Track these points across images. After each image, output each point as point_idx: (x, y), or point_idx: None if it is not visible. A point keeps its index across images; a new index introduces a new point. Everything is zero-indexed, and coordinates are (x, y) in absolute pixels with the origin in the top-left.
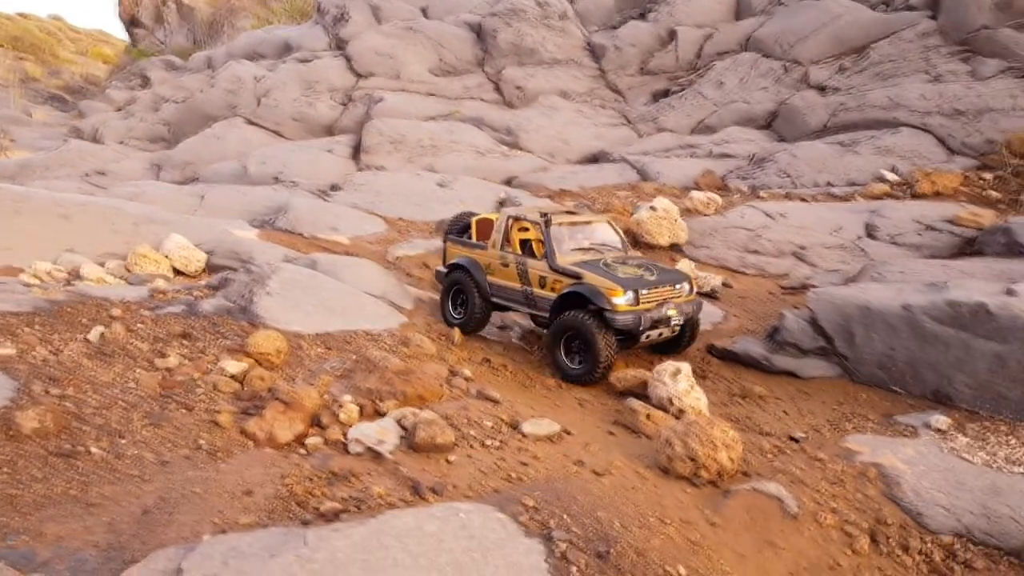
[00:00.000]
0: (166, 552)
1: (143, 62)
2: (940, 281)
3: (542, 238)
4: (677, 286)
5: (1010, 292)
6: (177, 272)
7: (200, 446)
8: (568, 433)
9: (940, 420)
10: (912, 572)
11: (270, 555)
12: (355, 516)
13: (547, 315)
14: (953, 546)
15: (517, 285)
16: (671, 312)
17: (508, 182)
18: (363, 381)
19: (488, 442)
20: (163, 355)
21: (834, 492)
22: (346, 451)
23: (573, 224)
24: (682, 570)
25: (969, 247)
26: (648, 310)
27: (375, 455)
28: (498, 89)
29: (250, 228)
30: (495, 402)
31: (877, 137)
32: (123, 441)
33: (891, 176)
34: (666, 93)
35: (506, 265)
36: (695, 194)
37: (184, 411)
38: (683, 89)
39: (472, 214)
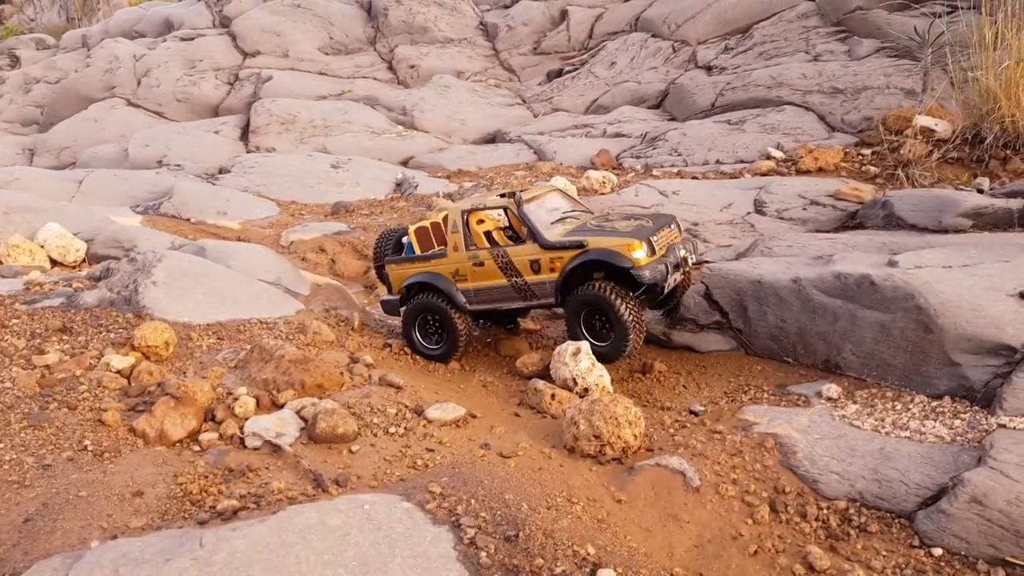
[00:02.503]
0: (51, 562)
1: (11, 40)
2: (826, 254)
3: (503, 225)
4: (671, 226)
5: (892, 263)
6: (54, 263)
7: (85, 447)
8: (473, 416)
9: (831, 389)
10: (811, 538)
11: (164, 559)
12: (255, 513)
13: (550, 301)
14: (848, 511)
15: (502, 281)
16: (682, 252)
17: (405, 163)
18: (259, 372)
19: (392, 429)
20: (41, 351)
21: (734, 463)
22: (243, 446)
23: (537, 198)
24: (590, 549)
25: (851, 220)
26: (665, 256)
27: (274, 448)
28: (391, 68)
29: (133, 214)
30: (398, 388)
31: (762, 115)
32: (0, 445)
33: (776, 153)
34: (560, 73)
35: (480, 264)
36: (591, 173)
37: (66, 410)
38: (576, 69)
39: (395, 230)
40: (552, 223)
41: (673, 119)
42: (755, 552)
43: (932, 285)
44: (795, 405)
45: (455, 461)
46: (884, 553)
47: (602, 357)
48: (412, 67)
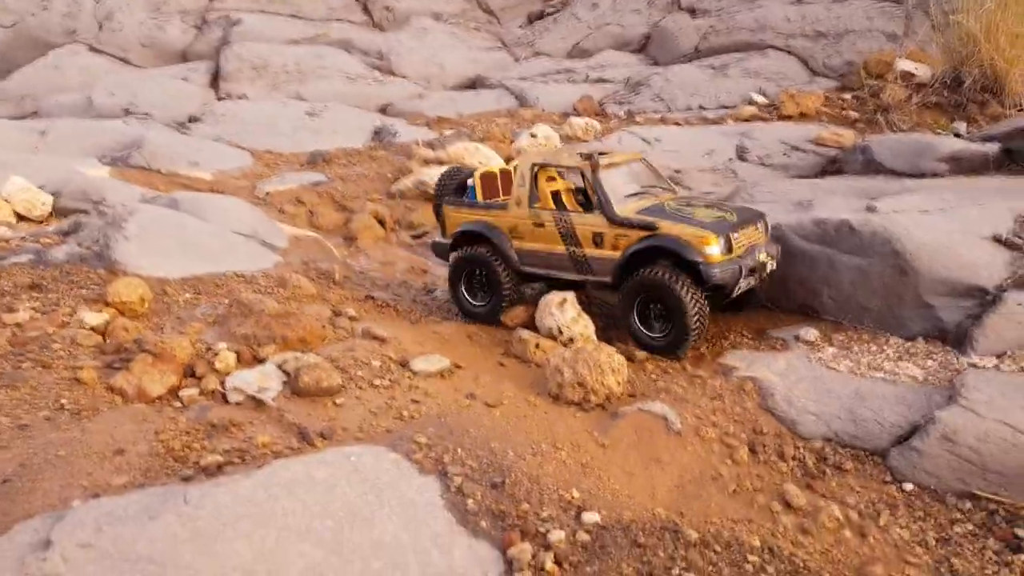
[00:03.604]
0: (32, 523)
1: None
2: (807, 200)
3: (573, 187)
4: (758, 225)
5: (870, 208)
6: (20, 217)
7: (62, 406)
8: (459, 367)
9: (809, 333)
10: (788, 477)
11: (149, 517)
12: (240, 468)
13: (606, 280)
14: (824, 450)
15: (560, 248)
16: (762, 257)
17: (383, 110)
18: (238, 327)
19: (377, 382)
20: (11, 309)
21: (714, 407)
22: (225, 401)
23: (616, 165)
24: (575, 493)
25: (832, 166)
26: (741, 257)
27: (257, 403)
28: (366, 10)
29: (101, 166)
30: (383, 341)
31: (745, 60)
32: None
33: (759, 98)
34: (541, 15)
35: (540, 225)
36: (574, 120)
37: (41, 369)
38: (558, 11)
39: (462, 169)
40: (627, 196)
41: (656, 63)
42: (734, 491)
43: (909, 230)
44: (774, 349)
45: (441, 411)
46: (858, 490)
47: (654, 350)
48: (388, 9)
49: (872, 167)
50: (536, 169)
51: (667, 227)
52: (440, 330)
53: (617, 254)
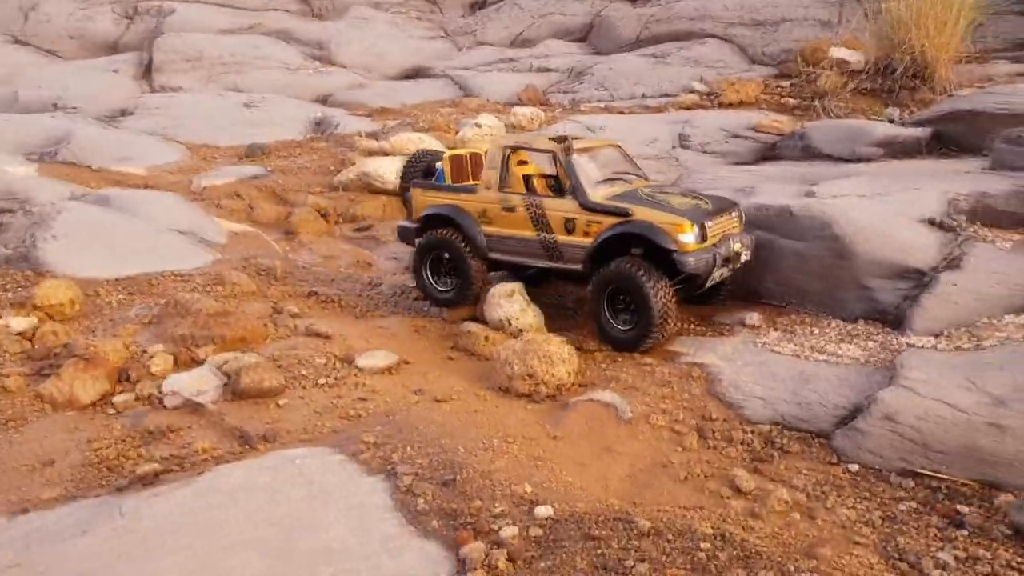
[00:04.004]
0: None
1: None
2: (748, 186)
3: (546, 173)
4: (732, 214)
5: (809, 194)
6: None
7: None
8: (406, 363)
9: (753, 317)
10: (737, 462)
11: (81, 531)
12: (178, 476)
13: (578, 268)
14: (771, 434)
15: (531, 234)
16: (737, 247)
17: (323, 100)
18: (175, 328)
19: (322, 381)
20: None
21: (663, 394)
22: (162, 406)
23: (590, 150)
24: (528, 487)
25: (771, 152)
26: (716, 246)
27: (195, 407)
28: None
29: (27, 163)
30: (327, 338)
31: (686, 48)
32: None
33: (700, 86)
34: (483, 4)
35: (511, 209)
36: (519, 109)
37: None
38: (500, 1)
39: (431, 152)
40: (600, 182)
41: (599, 53)
42: (685, 478)
43: (847, 214)
44: (720, 335)
45: (389, 409)
46: (805, 472)
47: (621, 344)
48: None
49: (810, 153)
50: (508, 152)
51: (641, 212)
52: (386, 325)
53: (589, 241)
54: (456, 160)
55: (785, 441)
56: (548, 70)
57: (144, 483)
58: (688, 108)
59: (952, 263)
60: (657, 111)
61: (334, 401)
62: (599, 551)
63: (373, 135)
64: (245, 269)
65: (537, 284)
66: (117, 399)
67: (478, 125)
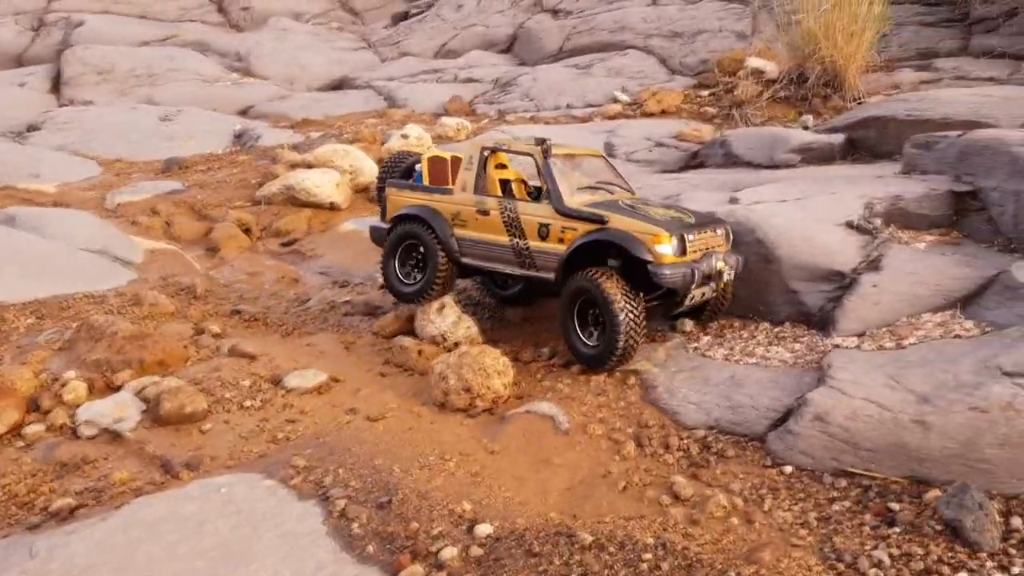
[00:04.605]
0: None
1: None
2: (674, 194)
3: (525, 178)
4: (717, 231)
5: (733, 200)
6: None
7: None
8: (337, 381)
9: (684, 323)
10: (674, 468)
11: None
12: (95, 511)
13: (550, 276)
14: (707, 439)
15: (503, 239)
16: (720, 265)
17: (244, 113)
18: (89, 352)
19: (248, 403)
20: None
21: (599, 403)
22: (76, 436)
23: (571, 157)
24: (467, 505)
25: (694, 160)
26: (696, 261)
27: (113, 436)
28: (221, 10)
29: None
30: (252, 358)
31: (608, 59)
32: None
33: (623, 96)
34: (406, 15)
35: (485, 213)
36: (446, 120)
37: None
38: (423, 12)
39: (411, 153)
40: (579, 188)
41: (523, 64)
42: (624, 488)
43: (770, 219)
44: (653, 341)
45: (319, 430)
46: (741, 476)
47: (587, 360)
48: (245, 9)
49: (731, 160)
50: (486, 154)
51: (617, 220)
52: (315, 342)
53: (563, 248)
54: (435, 162)
55: (721, 446)
56: (474, 81)
57: (58, 520)
58: (612, 118)
59: (872, 265)
60: (583, 121)
61: (261, 424)
62: (541, 568)
63: (296, 147)
64: (164, 288)
65: (519, 302)
66: (27, 430)
67: (404, 136)
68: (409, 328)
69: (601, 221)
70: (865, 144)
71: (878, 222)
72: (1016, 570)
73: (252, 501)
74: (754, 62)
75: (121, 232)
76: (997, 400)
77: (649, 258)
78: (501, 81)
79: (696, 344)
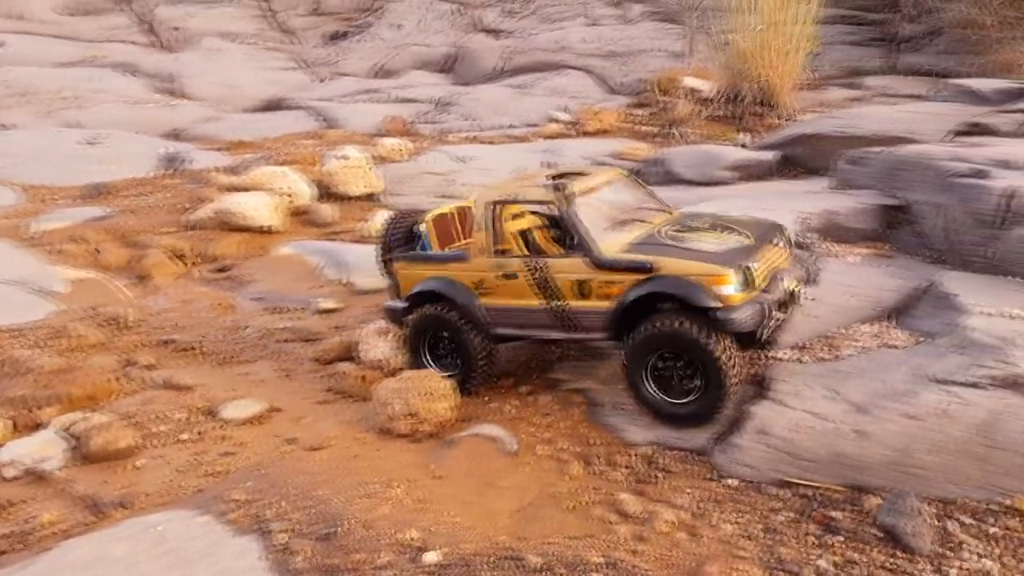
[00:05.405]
0: None
1: None
2: None
3: (546, 222)
4: (778, 242)
5: None
6: None
7: None
8: (276, 410)
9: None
10: (622, 485)
11: None
12: (19, 556)
13: (600, 336)
14: (652, 455)
15: (536, 303)
16: (791, 286)
17: (174, 135)
18: (11, 388)
19: (183, 436)
20: None
21: (546, 423)
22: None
23: (593, 190)
24: (413, 533)
25: None
26: (766, 290)
27: (39, 476)
28: (151, 30)
29: None
30: (186, 389)
31: (547, 79)
32: None
33: (562, 116)
34: (344, 35)
35: (510, 276)
36: (385, 140)
37: None
38: (360, 31)
39: (409, 213)
40: (610, 227)
41: (462, 83)
42: (572, 507)
43: None
44: (596, 358)
45: (259, 462)
46: (687, 490)
47: (681, 420)
48: (176, 29)
49: (670, 177)
50: (497, 208)
51: (667, 265)
52: (252, 371)
53: (607, 304)
54: (441, 222)
55: (666, 461)
56: (412, 100)
57: None
58: (552, 137)
59: (807, 279)
60: (523, 140)
61: (197, 458)
62: None
63: (230, 170)
64: (91, 319)
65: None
66: None
67: (343, 157)
68: (351, 354)
69: (647, 269)
70: (799, 160)
71: (814, 236)
72: (952, 572)
73: (187, 539)
74: (690, 81)
75: (43, 261)
76: (930, 407)
77: (713, 303)
78: (440, 101)
79: None
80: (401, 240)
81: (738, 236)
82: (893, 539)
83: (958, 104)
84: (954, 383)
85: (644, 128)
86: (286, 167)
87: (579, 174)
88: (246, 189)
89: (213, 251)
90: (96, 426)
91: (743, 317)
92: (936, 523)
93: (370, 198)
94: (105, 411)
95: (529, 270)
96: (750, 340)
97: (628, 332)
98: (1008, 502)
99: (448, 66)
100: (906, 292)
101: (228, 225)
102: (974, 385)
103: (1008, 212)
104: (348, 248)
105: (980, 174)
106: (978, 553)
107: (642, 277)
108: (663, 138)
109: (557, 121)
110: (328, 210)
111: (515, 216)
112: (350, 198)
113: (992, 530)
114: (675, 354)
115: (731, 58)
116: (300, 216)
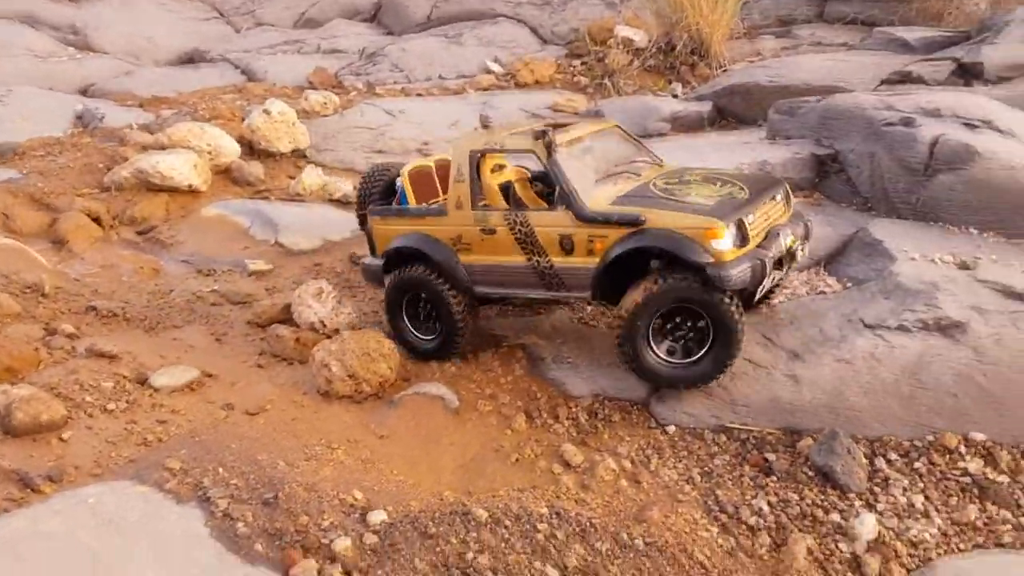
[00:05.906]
0: None
1: None
2: None
3: (529, 175)
4: (776, 196)
5: None
6: None
7: None
8: (210, 376)
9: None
10: (564, 437)
11: None
12: None
13: (586, 295)
14: (594, 406)
15: (519, 259)
16: (789, 242)
17: (84, 91)
18: None
19: (112, 406)
20: None
21: (488, 379)
22: None
23: (578, 140)
24: (358, 493)
25: None
26: (761, 245)
27: None
28: None
29: None
30: (112, 357)
31: (478, 28)
32: None
33: (495, 67)
34: None
35: (491, 231)
36: (311, 94)
37: None
38: None
39: (387, 167)
40: (599, 180)
41: (390, 33)
42: (516, 460)
43: None
44: (538, 313)
45: (194, 429)
46: (628, 439)
47: (683, 381)
48: None
49: None
50: (478, 157)
51: (657, 217)
52: (183, 336)
53: (594, 261)
54: (418, 175)
55: (607, 412)
56: (338, 52)
57: None
58: (486, 89)
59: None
60: (456, 93)
61: (128, 427)
62: (438, 549)
63: (147, 127)
64: (5, 288)
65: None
66: None
67: (267, 112)
68: (286, 316)
69: (636, 222)
70: (732, 111)
71: None
72: (881, 507)
73: (124, 510)
74: (623, 31)
75: None
76: (860, 351)
77: (705, 259)
78: (367, 52)
79: (580, 315)
80: (380, 195)
81: (733, 188)
82: (825, 478)
83: (887, 53)
84: (883, 327)
85: (579, 79)
86: (207, 123)
87: (565, 126)
88: (166, 147)
89: (134, 213)
90: (19, 399)
91: (737, 274)
92: (866, 461)
93: (297, 154)
94: (28, 383)
95: (511, 224)
96: (747, 300)
97: (608, 290)
98: (932, 439)
99: (374, 15)
100: (836, 239)
101: (149, 185)
102: (902, 329)
103: (933, 160)
104: (277, 207)
105: (908, 122)
106: (904, 487)
107: (629, 231)
108: (597, 89)
109: (490, 72)
110: (254, 168)
111: (497, 168)
112: (277, 155)
113: (917, 465)
114: (682, 312)
115: (664, 7)
116: (225, 175)
